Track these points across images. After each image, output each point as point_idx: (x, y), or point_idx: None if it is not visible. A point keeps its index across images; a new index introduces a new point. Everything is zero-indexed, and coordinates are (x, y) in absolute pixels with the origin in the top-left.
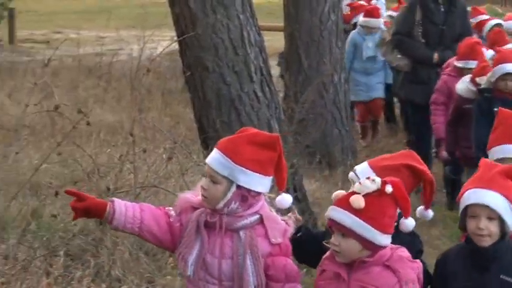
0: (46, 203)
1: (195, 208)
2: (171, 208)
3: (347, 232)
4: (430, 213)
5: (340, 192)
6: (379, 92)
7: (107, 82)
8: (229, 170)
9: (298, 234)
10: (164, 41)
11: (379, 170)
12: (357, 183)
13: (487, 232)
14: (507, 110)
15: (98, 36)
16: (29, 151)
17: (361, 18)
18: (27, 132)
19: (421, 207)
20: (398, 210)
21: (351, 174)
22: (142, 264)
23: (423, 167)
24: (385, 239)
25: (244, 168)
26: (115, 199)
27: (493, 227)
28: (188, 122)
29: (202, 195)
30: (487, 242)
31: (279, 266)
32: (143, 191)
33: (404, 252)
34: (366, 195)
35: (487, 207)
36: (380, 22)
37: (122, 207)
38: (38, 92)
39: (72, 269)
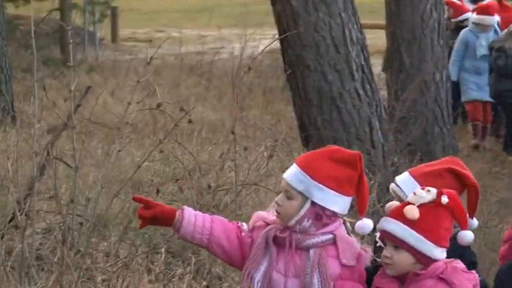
0: None
1: (268, 225)
2: (244, 224)
3: (400, 244)
4: (475, 222)
5: (393, 203)
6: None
7: (208, 80)
8: (304, 185)
9: None
10: (265, 39)
11: (420, 178)
12: (411, 194)
13: None
14: None
15: (200, 34)
16: (131, 149)
17: (474, 16)
18: (129, 130)
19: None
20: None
21: (392, 185)
22: None
23: (466, 171)
24: (439, 253)
25: (320, 185)
26: (185, 207)
27: None
28: (289, 120)
29: (276, 210)
30: None
31: None
32: (244, 189)
33: (459, 263)
34: (420, 206)
35: None
36: (494, 20)
37: (192, 216)
38: (140, 90)
39: (173, 266)
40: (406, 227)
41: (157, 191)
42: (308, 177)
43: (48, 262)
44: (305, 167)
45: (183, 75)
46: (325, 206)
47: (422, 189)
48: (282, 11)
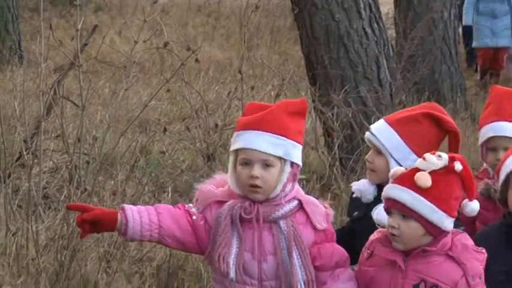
0: (155, 139)
1: (220, 202)
2: (191, 205)
3: (409, 213)
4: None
5: (399, 169)
6: (506, 40)
7: (215, 19)
8: (284, 149)
9: None
10: None
11: (396, 124)
12: (420, 160)
13: None
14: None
15: None
16: (138, 88)
17: None
18: (136, 70)
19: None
20: None
21: (367, 134)
22: None
23: (446, 116)
24: (450, 223)
25: (295, 142)
26: (125, 206)
27: None
28: (296, 59)
29: (254, 186)
30: None
31: (327, 254)
32: None
33: (467, 239)
34: (431, 173)
35: None
36: None
37: (136, 214)
38: (148, 29)
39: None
40: (417, 195)
41: (165, 130)
42: (285, 138)
43: (55, 201)
44: (277, 130)
45: (191, 15)
46: (299, 163)
47: (433, 154)
48: None
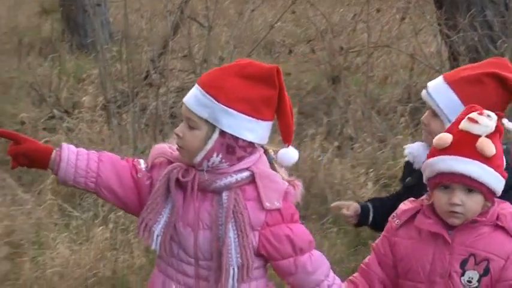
0: (279, 60)
1: (171, 163)
2: (141, 161)
3: (478, 187)
4: None
5: (446, 136)
6: None
7: None
8: (210, 111)
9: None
10: None
11: (455, 84)
12: (468, 123)
13: None
14: None
15: None
16: (263, 9)
17: None
18: None
19: None
20: None
21: (423, 92)
22: (374, 123)
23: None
24: (502, 187)
25: (229, 109)
26: (64, 145)
27: None
28: None
29: (177, 144)
30: None
31: (281, 237)
32: (376, 50)
33: (510, 207)
34: (488, 137)
35: None
36: None
37: (72, 155)
38: None
39: (305, 126)
40: (485, 165)
41: (290, 52)
42: (213, 100)
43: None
44: (209, 88)
45: None
46: (237, 136)
47: (480, 114)
48: None
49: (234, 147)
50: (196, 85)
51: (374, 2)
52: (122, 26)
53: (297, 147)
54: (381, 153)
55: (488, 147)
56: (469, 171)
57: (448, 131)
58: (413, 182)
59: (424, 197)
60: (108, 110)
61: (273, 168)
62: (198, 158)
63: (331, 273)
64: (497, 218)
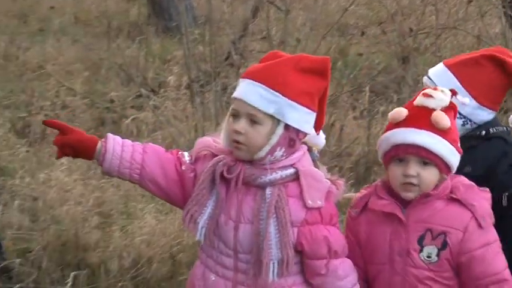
0: (352, 42)
1: (215, 156)
2: (185, 153)
3: (432, 158)
4: None
5: (401, 110)
6: None
7: None
8: (276, 106)
9: None
10: None
11: (454, 67)
12: (423, 98)
13: None
14: None
15: None
16: None
17: None
18: None
19: None
20: None
21: (425, 78)
22: None
23: None
24: (457, 162)
25: (295, 103)
26: (110, 136)
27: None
28: None
29: (237, 141)
30: None
31: (319, 238)
32: (443, 32)
33: (464, 179)
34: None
35: None
36: None
37: (117, 146)
38: None
39: (376, 104)
40: (439, 137)
41: (362, 33)
42: (280, 95)
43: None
44: (273, 83)
45: None
46: (300, 129)
47: (434, 89)
48: None
49: (295, 140)
50: (251, 81)
51: None
52: (205, 11)
53: (369, 123)
54: None
55: (443, 119)
56: (424, 142)
57: (404, 107)
58: None
59: (377, 182)
60: (191, 88)
61: (316, 166)
62: (262, 153)
63: (357, 285)
64: (451, 191)
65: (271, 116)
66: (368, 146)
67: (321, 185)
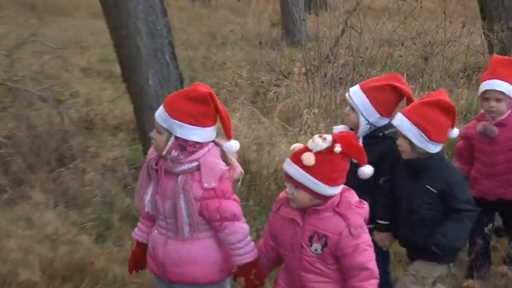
0: (396, 49)
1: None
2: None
3: (299, 186)
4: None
5: (297, 146)
6: None
7: None
8: (168, 123)
9: None
10: None
11: (367, 91)
12: (310, 141)
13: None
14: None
15: None
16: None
17: None
18: None
19: None
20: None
21: (346, 94)
22: (447, 82)
23: (404, 86)
24: (334, 190)
25: (179, 122)
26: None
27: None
28: None
29: (153, 143)
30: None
31: (212, 208)
32: (448, 43)
33: (352, 196)
34: (317, 153)
35: None
36: None
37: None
38: None
39: (410, 84)
40: (302, 171)
41: (402, 44)
42: (169, 116)
43: (344, 82)
44: (166, 107)
45: None
46: (186, 138)
47: (320, 137)
48: None
49: (185, 146)
50: (162, 106)
51: (449, 17)
52: (314, 31)
53: None
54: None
55: (307, 159)
56: (291, 173)
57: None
58: None
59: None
60: (306, 75)
61: (225, 156)
62: (164, 153)
63: (246, 240)
64: (337, 205)
65: (167, 129)
66: None
67: (215, 172)
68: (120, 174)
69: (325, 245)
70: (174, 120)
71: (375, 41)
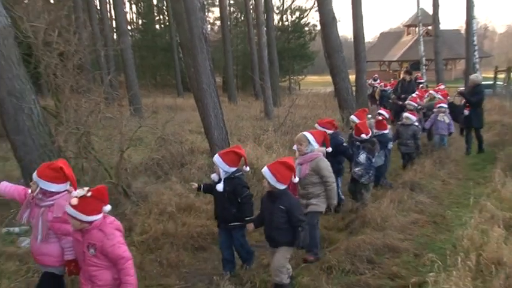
0: None
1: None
2: (30, 190)
3: (70, 217)
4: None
5: (85, 189)
6: None
7: None
8: (36, 179)
9: (201, 189)
10: None
11: (222, 155)
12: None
13: None
14: None
15: None
16: None
17: None
18: None
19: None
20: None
21: (214, 158)
22: None
23: (241, 151)
24: (97, 218)
25: (41, 179)
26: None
27: None
28: None
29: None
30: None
31: (54, 227)
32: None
33: (109, 218)
34: (80, 197)
35: None
36: None
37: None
38: None
39: None
40: (71, 208)
41: None
42: (35, 175)
43: None
44: (36, 171)
45: None
46: (46, 189)
47: (83, 189)
48: None
49: (45, 192)
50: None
51: None
52: None
53: None
54: None
55: (73, 200)
56: (67, 210)
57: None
58: None
59: None
60: None
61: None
62: (35, 194)
63: (69, 244)
64: (100, 224)
65: (36, 182)
66: None
67: (60, 208)
68: None
69: (94, 250)
70: (38, 178)
71: None
